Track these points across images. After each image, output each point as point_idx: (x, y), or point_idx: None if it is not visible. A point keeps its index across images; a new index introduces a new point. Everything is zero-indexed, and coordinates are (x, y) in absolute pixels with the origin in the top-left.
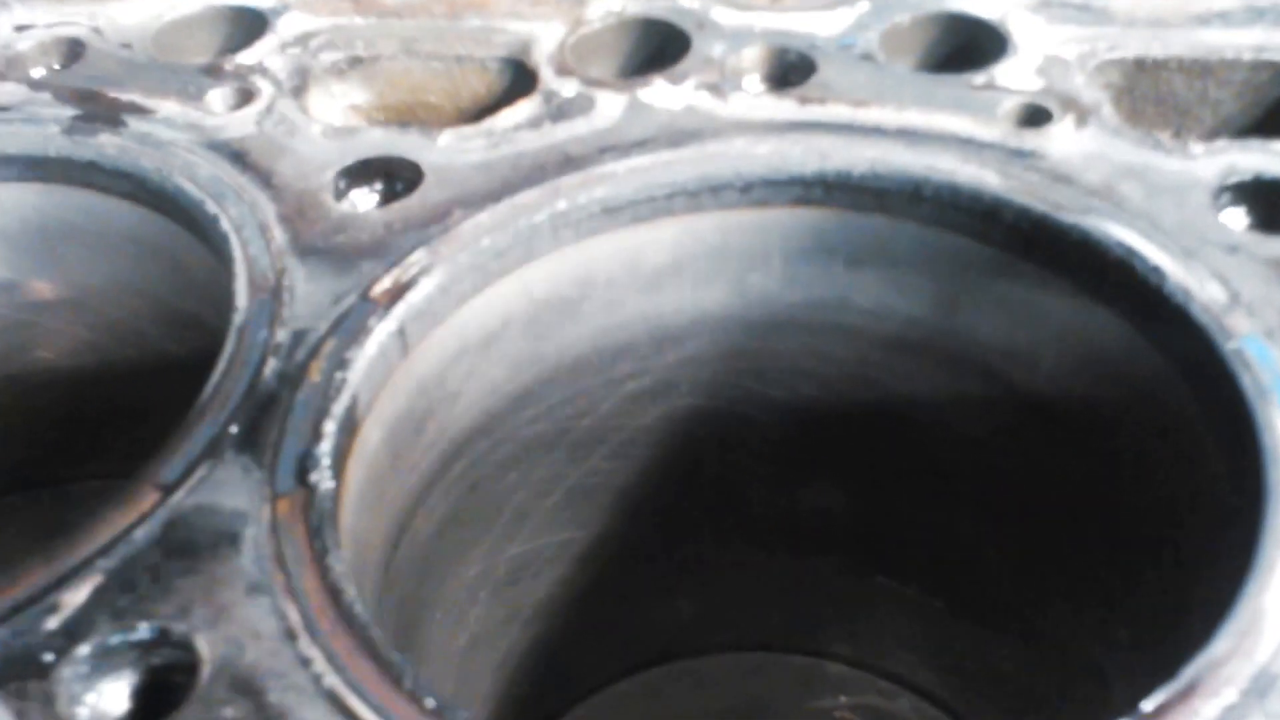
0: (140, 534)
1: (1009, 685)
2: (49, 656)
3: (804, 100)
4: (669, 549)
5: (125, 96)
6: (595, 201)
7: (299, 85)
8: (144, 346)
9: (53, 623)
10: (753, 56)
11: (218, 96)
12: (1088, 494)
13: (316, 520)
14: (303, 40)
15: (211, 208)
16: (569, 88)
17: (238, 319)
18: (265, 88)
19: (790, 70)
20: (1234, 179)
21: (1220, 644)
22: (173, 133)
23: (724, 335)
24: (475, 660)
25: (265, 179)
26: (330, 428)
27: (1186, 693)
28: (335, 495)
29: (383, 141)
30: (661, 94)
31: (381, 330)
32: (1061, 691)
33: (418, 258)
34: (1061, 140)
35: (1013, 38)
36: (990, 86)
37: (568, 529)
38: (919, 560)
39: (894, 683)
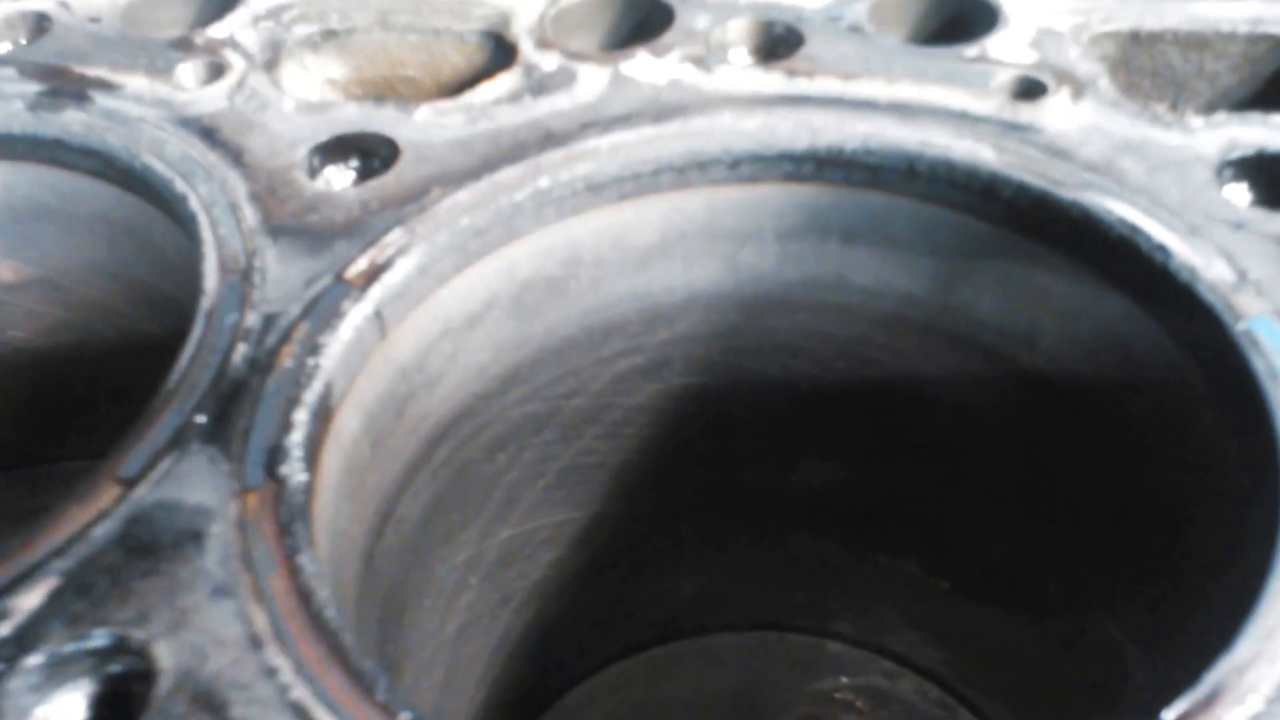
0: (99, 532)
1: (1016, 665)
2: None
3: (792, 73)
4: (665, 529)
5: (92, 72)
6: (578, 179)
7: (272, 59)
8: (122, 327)
9: (2, 630)
10: (739, 28)
11: (188, 71)
12: (1095, 474)
13: (287, 516)
14: (275, 13)
15: (180, 186)
16: (550, 61)
17: (206, 302)
18: (237, 62)
19: (777, 43)
20: (1236, 154)
21: (1243, 647)
22: (141, 109)
23: (717, 314)
24: (467, 646)
25: (236, 156)
26: (302, 416)
27: (1209, 701)
28: (308, 488)
29: (358, 117)
30: (645, 67)
31: (357, 313)
32: (1075, 672)
33: (394, 237)
34: (1057, 114)
35: (1004, 9)
36: (983, 59)
37: (561, 510)
38: (921, 539)
39: (897, 663)
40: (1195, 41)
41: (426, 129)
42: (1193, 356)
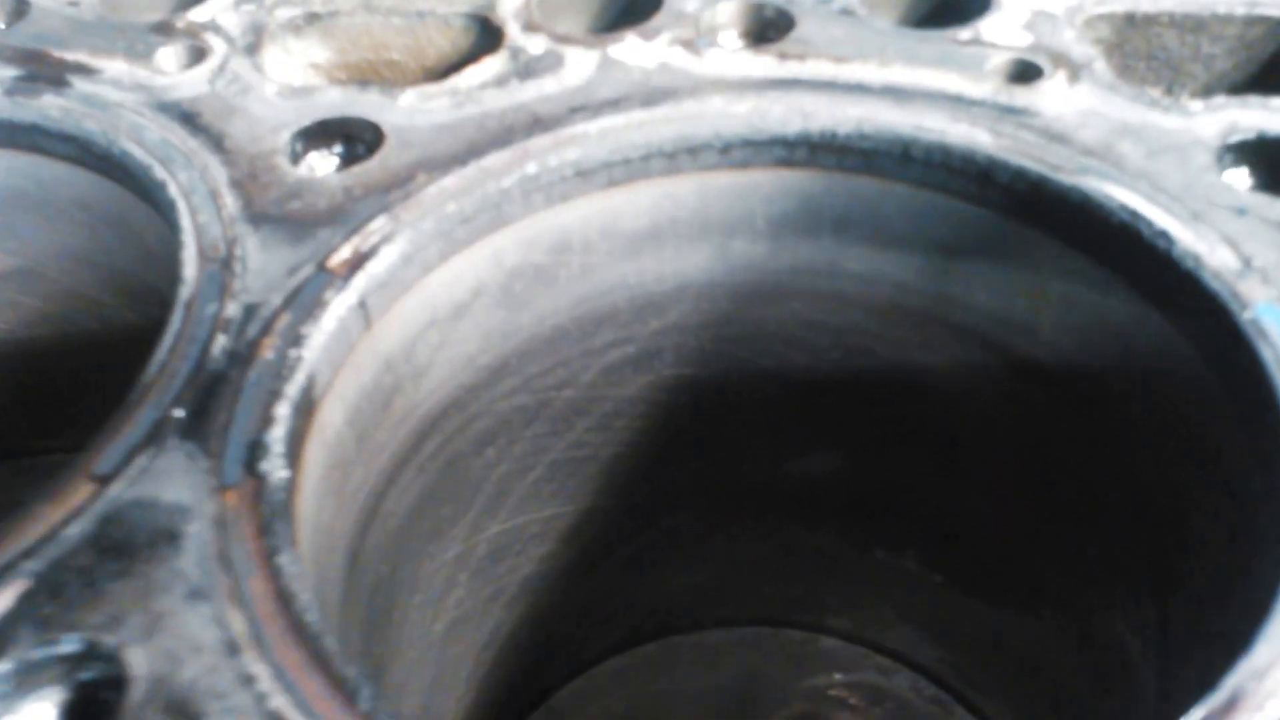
0: (72, 531)
1: (1015, 662)
2: None
3: (783, 56)
4: (657, 522)
5: (71, 56)
6: (567, 164)
7: (254, 43)
8: (103, 318)
9: None
10: (729, 11)
11: (168, 55)
12: (1098, 468)
13: (267, 514)
14: None
15: (159, 172)
16: (536, 44)
17: (185, 292)
18: (218, 46)
19: (768, 26)
20: (1236, 138)
21: (1262, 650)
22: (120, 93)
23: (709, 303)
24: (457, 644)
25: (217, 142)
26: (284, 410)
27: (1229, 707)
28: (290, 485)
29: (341, 101)
30: (634, 51)
31: (340, 303)
32: (1078, 670)
33: (379, 225)
34: (1054, 97)
35: None
36: (976, 42)
37: (551, 504)
38: (918, 532)
39: (892, 659)
40: (1191, 23)
41: (411, 113)
42: (1197, 346)
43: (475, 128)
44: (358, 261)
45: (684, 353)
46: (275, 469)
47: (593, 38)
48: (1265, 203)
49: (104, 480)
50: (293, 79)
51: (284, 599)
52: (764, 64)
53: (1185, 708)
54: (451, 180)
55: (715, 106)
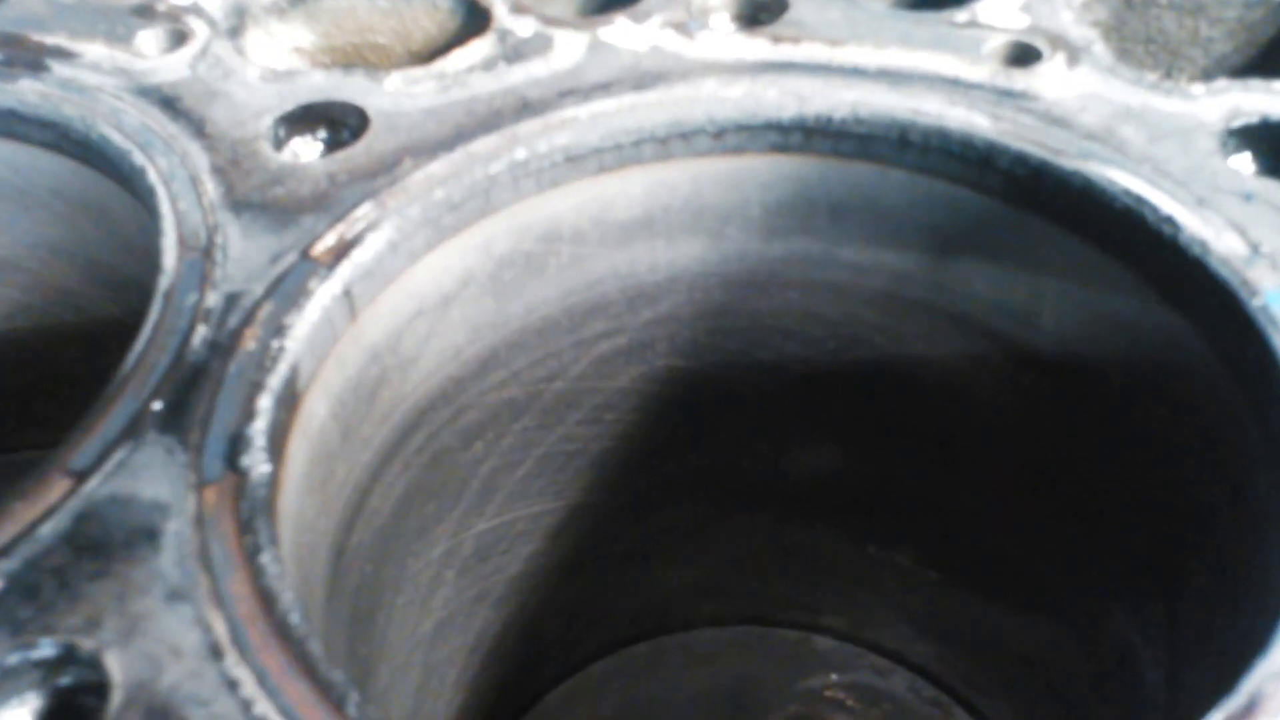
0: (47, 530)
1: (1016, 662)
2: None
3: (777, 39)
4: (650, 519)
5: (50, 39)
6: (557, 150)
7: (236, 26)
8: (81, 310)
9: None
10: None
11: (149, 38)
12: (1103, 463)
13: (248, 512)
14: None
15: (138, 158)
16: (525, 26)
17: (164, 281)
18: (200, 29)
19: (761, 8)
20: (1240, 122)
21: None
22: (99, 78)
23: (702, 293)
24: (444, 645)
25: (198, 127)
26: (266, 403)
27: (1247, 712)
28: (272, 480)
29: (325, 85)
30: (624, 33)
31: (325, 292)
32: (1082, 670)
33: (364, 212)
34: (1053, 80)
35: None
36: (973, 24)
37: (541, 500)
38: (915, 528)
39: (888, 658)
40: (1190, 6)
41: (397, 98)
42: (1205, 336)
43: (463, 112)
44: (342, 250)
45: (677, 344)
46: (257, 464)
47: (582, 20)
48: (1272, 187)
49: (80, 476)
50: (276, 63)
51: (266, 600)
52: (757, 47)
53: (1194, 709)
54: (439, 166)
55: (708, 90)
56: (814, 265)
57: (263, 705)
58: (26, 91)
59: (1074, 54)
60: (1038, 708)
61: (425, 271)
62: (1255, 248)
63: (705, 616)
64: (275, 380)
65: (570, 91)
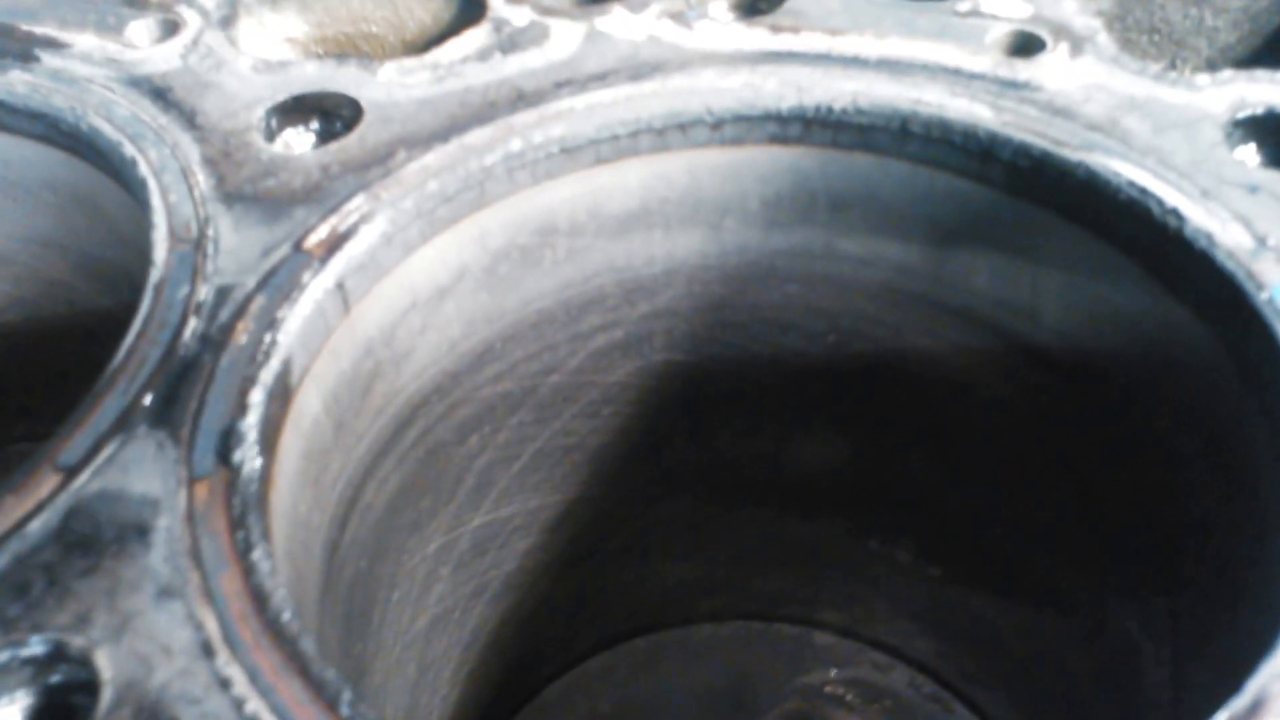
0: (36, 526)
1: (1017, 658)
2: None
3: (776, 29)
4: (648, 513)
5: (40, 29)
6: (552, 141)
7: (228, 16)
8: (74, 303)
9: None
10: None
11: (140, 28)
12: (1105, 456)
13: (240, 507)
14: None
15: (128, 150)
16: (521, 16)
17: (155, 274)
18: (191, 19)
19: None
20: (1245, 113)
21: None
22: (89, 68)
23: (700, 286)
24: (439, 642)
25: (189, 118)
26: (258, 397)
27: (1253, 712)
28: (264, 475)
29: (318, 76)
30: (621, 23)
31: (317, 285)
32: (1084, 667)
33: (357, 204)
34: (1056, 71)
35: None
36: (975, 13)
37: (537, 495)
38: (915, 523)
39: (888, 654)
40: None
41: (391, 88)
42: (1212, 329)
43: (457, 103)
44: (335, 242)
45: (675, 338)
46: (249, 458)
47: (579, 9)
48: (1277, 179)
49: (70, 471)
50: (268, 53)
51: (258, 597)
52: (756, 37)
53: (1198, 706)
54: (433, 157)
55: (706, 81)
56: (814, 258)
57: (254, 704)
58: (16, 82)
59: (1077, 44)
60: (1039, 705)
61: (419, 264)
62: (1261, 240)
63: (704, 612)
64: (267, 374)
65: (566, 82)
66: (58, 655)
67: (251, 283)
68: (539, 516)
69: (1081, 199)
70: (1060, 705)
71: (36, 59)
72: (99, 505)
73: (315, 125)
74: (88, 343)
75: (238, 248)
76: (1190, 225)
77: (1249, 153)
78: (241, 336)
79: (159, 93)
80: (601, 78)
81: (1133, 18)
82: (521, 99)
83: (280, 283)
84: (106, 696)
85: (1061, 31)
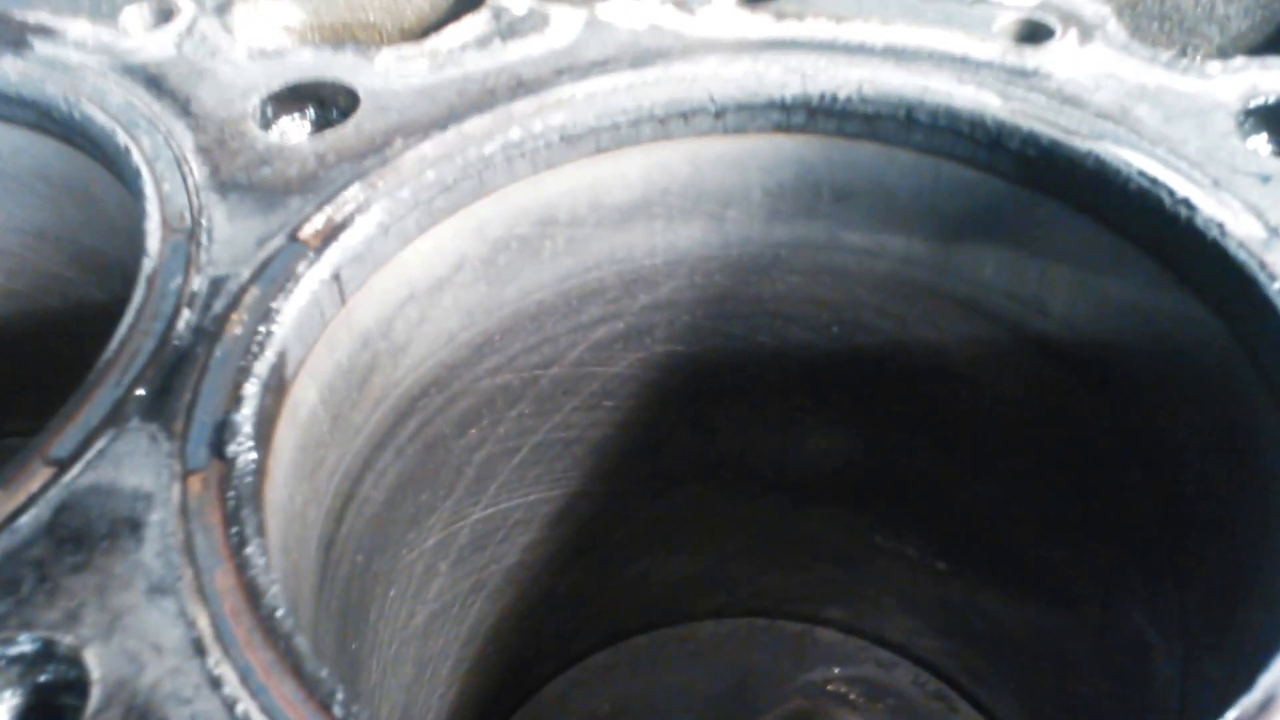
0: (26, 521)
1: (1023, 655)
2: None
3: (780, 16)
4: (649, 508)
5: (32, 17)
6: (552, 129)
7: (223, 3)
8: (67, 294)
9: None
10: None
11: (133, 15)
12: (1114, 450)
13: (234, 502)
14: None
15: (122, 138)
16: (520, 3)
17: (148, 264)
18: (186, 6)
19: None
20: (1258, 101)
21: None
22: (83, 56)
23: (702, 277)
24: (437, 638)
25: (183, 106)
26: (253, 389)
27: (1264, 709)
28: (259, 468)
29: (314, 63)
30: (623, 10)
31: (313, 276)
32: (1092, 664)
33: (354, 193)
34: (1065, 58)
35: None
36: (983, 0)
37: (537, 489)
38: (920, 517)
39: (892, 651)
40: None
41: (388, 76)
42: (1223, 321)
43: (455, 91)
44: (331, 232)
45: (676, 329)
46: (243, 451)
47: None
48: None
49: (61, 465)
50: (264, 41)
51: (251, 594)
52: (760, 24)
53: (1209, 702)
54: (430, 146)
55: (709, 69)
56: (817, 249)
57: (246, 704)
58: (8, 70)
59: (1087, 31)
60: (1045, 703)
61: (417, 255)
62: (1274, 231)
63: (706, 608)
64: (262, 366)
65: (566, 70)
66: (47, 654)
67: (246, 273)
68: (539, 511)
69: (1091, 188)
70: (1067, 703)
71: (29, 46)
72: (91, 499)
73: (311, 113)
74: (81, 334)
75: (232, 238)
76: (1201, 215)
77: (1261, 142)
78: (236, 328)
79: (153, 80)
80: (602, 65)
81: (1143, 4)
82: (521, 87)
83: (275, 274)
84: (95, 696)
85: (1070, 18)
